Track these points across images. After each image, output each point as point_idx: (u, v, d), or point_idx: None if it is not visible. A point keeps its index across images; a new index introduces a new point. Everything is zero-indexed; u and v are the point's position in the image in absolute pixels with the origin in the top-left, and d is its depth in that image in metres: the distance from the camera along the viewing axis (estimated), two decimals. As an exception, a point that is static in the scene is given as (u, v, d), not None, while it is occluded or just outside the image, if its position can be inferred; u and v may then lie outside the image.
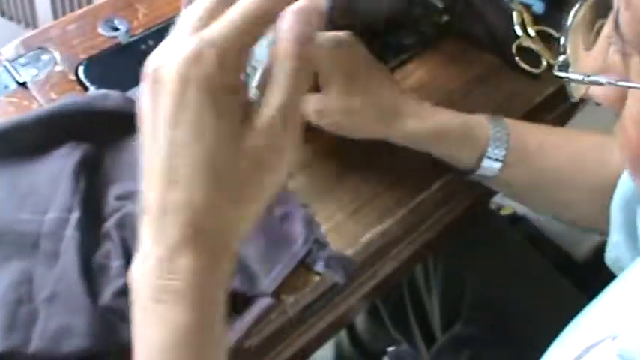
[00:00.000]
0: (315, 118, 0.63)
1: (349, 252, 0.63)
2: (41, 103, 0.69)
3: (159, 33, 0.76)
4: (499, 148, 0.63)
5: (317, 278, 0.61)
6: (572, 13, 0.43)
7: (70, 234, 0.57)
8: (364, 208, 0.66)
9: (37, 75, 0.72)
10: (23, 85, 0.71)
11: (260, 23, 0.37)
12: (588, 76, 0.41)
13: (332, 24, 0.81)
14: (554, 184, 0.66)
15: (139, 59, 0.84)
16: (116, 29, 0.76)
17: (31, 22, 1.64)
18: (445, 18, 0.82)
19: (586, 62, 0.43)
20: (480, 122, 0.65)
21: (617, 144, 0.42)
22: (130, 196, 0.61)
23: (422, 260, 0.84)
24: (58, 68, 0.73)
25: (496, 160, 0.63)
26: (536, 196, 0.68)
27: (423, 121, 0.64)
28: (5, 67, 0.72)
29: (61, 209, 0.58)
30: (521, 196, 0.70)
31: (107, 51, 0.75)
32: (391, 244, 0.68)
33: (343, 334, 1.17)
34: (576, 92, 0.44)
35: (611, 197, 0.62)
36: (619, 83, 0.39)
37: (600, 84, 0.40)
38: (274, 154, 0.38)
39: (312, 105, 0.63)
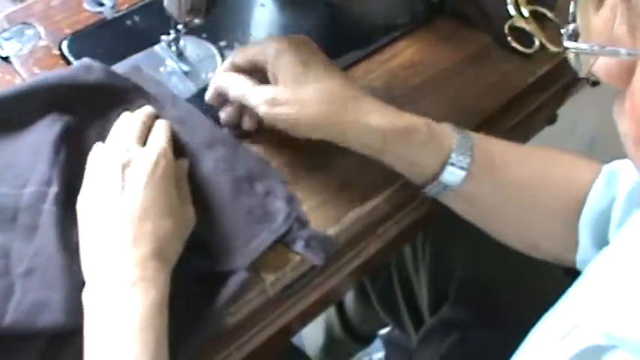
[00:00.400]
0: (266, 109, 0.59)
1: (334, 230, 0.62)
2: (24, 78, 0.69)
3: (144, 9, 0.75)
4: (464, 155, 0.59)
5: (298, 257, 0.60)
6: None
7: (49, 208, 0.56)
8: (351, 186, 0.65)
9: (20, 50, 0.71)
10: (6, 59, 0.70)
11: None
12: (603, 47, 0.36)
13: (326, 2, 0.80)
14: (519, 202, 0.62)
15: (124, 35, 0.82)
16: (101, 4, 0.75)
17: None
18: (438, -4, 0.81)
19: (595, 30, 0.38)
20: (443, 128, 0.60)
21: (620, 130, 0.39)
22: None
23: (409, 240, 0.83)
24: (42, 43, 0.72)
25: (460, 167, 0.59)
26: (500, 215, 0.64)
27: (388, 117, 0.59)
28: (-12, 41, 0.71)
29: (40, 182, 0.57)
30: (484, 216, 0.65)
31: (92, 26, 0.74)
32: (377, 222, 0.67)
33: (334, 318, 1.16)
34: (585, 65, 0.38)
35: (577, 218, 0.60)
36: None
37: (618, 55, 0.36)
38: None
39: (262, 95, 0.59)
